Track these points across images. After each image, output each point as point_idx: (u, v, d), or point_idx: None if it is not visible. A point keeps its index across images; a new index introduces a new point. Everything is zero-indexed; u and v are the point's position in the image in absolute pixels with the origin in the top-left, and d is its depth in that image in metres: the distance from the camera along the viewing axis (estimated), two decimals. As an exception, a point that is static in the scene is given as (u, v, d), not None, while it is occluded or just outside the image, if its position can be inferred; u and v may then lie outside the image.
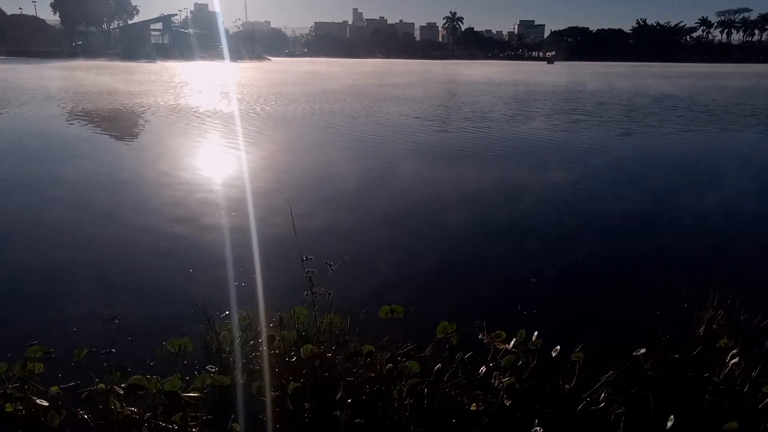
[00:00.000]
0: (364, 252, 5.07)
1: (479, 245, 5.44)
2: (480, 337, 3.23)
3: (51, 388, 2.63)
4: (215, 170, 8.76)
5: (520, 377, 2.81)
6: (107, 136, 12.51)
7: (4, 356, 2.76)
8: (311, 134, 12.89)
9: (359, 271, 4.55)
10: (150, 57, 76.90)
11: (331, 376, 2.84)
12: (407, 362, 2.80)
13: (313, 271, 3.12)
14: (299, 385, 2.65)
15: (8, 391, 2.50)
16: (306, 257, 3.14)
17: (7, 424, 2.41)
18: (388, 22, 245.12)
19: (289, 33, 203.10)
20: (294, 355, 2.97)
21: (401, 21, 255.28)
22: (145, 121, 14.70)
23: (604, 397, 2.70)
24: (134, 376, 2.58)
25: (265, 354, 2.84)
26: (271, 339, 3.05)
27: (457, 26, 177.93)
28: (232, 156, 9.87)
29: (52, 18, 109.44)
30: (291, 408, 2.55)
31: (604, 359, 3.04)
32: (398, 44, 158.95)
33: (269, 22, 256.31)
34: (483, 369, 2.84)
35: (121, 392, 2.50)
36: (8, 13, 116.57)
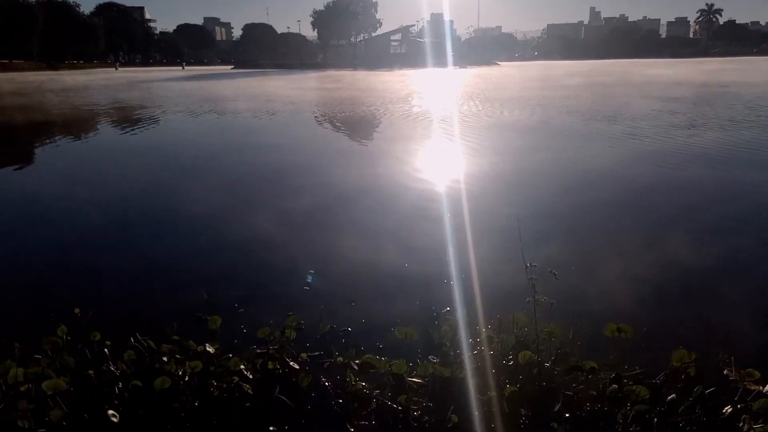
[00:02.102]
0: (595, 264, 4.83)
1: (739, 269, 4.76)
2: (725, 372, 2.85)
3: (301, 354, 3.07)
4: (441, 170, 9.13)
5: (777, 427, 2.41)
6: (340, 133, 13.95)
7: (267, 323, 3.32)
8: (537, 139, 12.63)
9: (586, 283, 4.35)
10: (388, 66, 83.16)
11: (548, 387, 2.80)
12: (635, 386, 2.61)
13: (536, 278, 3.09)
14: (516, 389, 2.66)
15: (270, 351, 2.99)
16: (530, 264, 3.14)
17: (269, 379, 2.88)
18: (630, 19, 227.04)
19: (519, 37, 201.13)
20: (512, 359, 2.99)
21: (645, 18, 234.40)
22: (378, 122, 16.00)
23: None
24: (366, 355, 2.87)
25: (486, 354, 2.91)
26: (490, 340, 3.12)
27: (714, 19, 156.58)
28: (455, 156, 10.18)
29: (311, 34, 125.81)
30: (507, 411, 2.58)
31: None
32: (640, 43, 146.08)
33: (500, 27, 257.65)
34: (728, 409, 2.51)
35: (356, 367, 2.80)
36: (279, 32, 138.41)
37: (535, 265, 3.15)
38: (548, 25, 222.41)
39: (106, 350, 3.08)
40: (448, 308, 3.89)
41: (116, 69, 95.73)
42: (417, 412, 2.63)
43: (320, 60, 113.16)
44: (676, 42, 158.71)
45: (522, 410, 2.62)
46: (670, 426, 2.49)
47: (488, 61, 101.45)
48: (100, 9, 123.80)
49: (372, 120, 17.06)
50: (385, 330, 3.30)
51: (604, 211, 6.60)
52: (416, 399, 2.69)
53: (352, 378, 2.79)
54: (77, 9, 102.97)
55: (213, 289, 4.16)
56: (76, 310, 3.58)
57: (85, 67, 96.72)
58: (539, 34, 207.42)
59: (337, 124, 16.37)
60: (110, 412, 2.50)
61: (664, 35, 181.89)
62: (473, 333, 3.36)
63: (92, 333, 3.16)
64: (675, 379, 2.82)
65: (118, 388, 2.77)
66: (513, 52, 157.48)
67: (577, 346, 3.21)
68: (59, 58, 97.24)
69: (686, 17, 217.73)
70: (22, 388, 2.54)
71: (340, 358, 2.88)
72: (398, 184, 8.13)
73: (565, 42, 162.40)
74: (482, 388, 2.73)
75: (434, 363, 2.83)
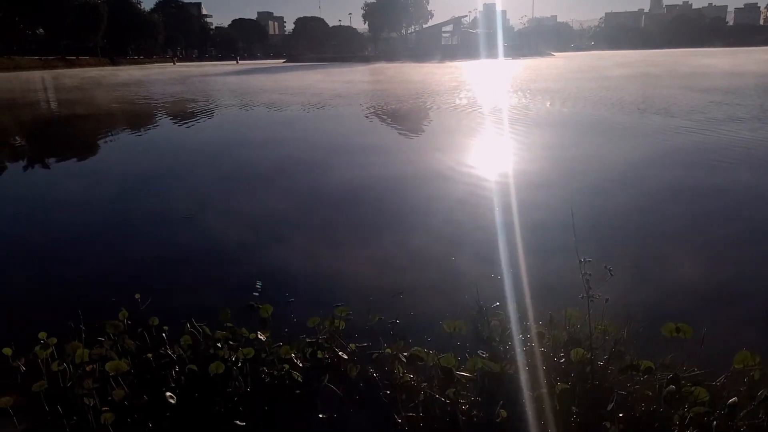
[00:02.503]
0: (654, 261, 4.67)
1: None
2: (793, 377, 2.71)
3: (350, 345, 3.11)
4: (490, 162, 9.00)
5: None
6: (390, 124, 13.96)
7: (317, 312, 3.37)
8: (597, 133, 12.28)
9: (644, 281, 4.21)
10: (437, 58, 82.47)
11: (601, 386, 2.73)
12: (693, 387, 2.52)
13: (590, 274, 3.01)
14: (568, 387, 2.61)
15: (320, 341, 3.04)
16: (584, 259, 3.05)
17: (318, 368, 2.93)
18: (694, 7, 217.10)
19: (576, 26, 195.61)
20: (563, 356, 2.93)
21: (710, 5, 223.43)
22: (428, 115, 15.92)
23: None
24: (415, 348, 2.88)
25: (537, 350, 2.87)
26: (540, 336, 3.07)
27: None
28: (497, 148, 10.01)
29: (362, 27, 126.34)
30: (558, 408, 2.54)
31: None
32: (704, 31, 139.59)
33: (555, 16, 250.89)
34: (795, 416, 2.38)
35: (404, 359, 2.81)
36: (330, 25, 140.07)
37: (589, 260, 3.06)
38: (606, 13, 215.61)
39: (164, 335, 3.21)
40: (498, 303, 3.84)
41: (174, 63, 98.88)
42: (465, 405, 2.62)
43: (370, 52, 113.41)
44: (743, 30, 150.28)
45: (573, 408, 2.57)
46: (731, 430, 2.38)
47: (542, 52, 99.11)
48: (159, 5, 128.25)
49: (416, 112, 17.07)
50: (434, 324, 3.29)
51: (637, 210, 6.36)
52: (464, 393, 2.68)
53: (400, 370, 2.80)
54: (138, 6, 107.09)
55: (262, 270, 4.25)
56: (137, 296, 3.75)
57: (144, 62, 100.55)
58: (596, 23, 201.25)
59: (384, 116, 16.41)
60: (168, 393, 2.61)
61: (731, 23, 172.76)
62: (523, 329, 3.31)
63: (151, 318, 3.30)
64: (737, 381, 2.70)
65: (175, 371, 2.88)
66: (569, 43, 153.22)
67: (633, 344, 3.11)
68: (121, 53, 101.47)
69: (756, 3, 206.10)
70: (88, 368, 2.68)
71: (389, 350, 2.90)
72: (440, 176, 8.07)
73: (624, 31, 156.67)
74: (532, 385, 2.69)
75: (483, 358, 2.81)
